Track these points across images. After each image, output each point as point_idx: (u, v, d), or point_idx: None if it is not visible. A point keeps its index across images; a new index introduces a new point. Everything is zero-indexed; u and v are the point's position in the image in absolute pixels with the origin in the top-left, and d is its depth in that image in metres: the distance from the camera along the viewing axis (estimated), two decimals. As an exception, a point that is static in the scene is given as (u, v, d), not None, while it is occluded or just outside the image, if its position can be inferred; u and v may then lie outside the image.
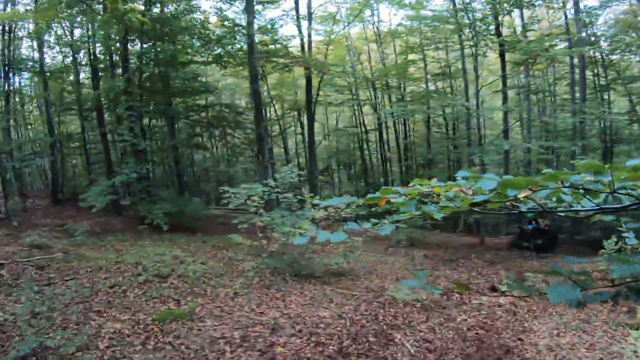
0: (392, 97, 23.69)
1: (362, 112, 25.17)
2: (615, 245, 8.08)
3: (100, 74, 17.27)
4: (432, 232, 16.36)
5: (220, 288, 7.47)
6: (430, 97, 20.75)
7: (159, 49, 15.08)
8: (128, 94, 13.68)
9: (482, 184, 1.34)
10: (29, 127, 26.05)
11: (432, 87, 22.17)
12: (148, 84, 15.86)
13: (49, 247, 9.88)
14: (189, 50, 15.95)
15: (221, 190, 8.57)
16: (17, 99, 21.06)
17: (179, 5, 15.61)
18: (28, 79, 22.79)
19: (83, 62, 19.10)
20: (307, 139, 20.83)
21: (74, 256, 9.13)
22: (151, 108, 15.95)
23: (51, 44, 19.31)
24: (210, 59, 16.73)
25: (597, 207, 1.33)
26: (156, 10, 15.36)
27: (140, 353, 5.08)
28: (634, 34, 15.97)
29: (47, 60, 19.59)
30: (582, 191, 1.25)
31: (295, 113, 26.02)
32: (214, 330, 5.74)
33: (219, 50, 16.43)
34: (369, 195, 1.69)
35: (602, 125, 17.92)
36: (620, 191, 1.21)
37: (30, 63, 18.53)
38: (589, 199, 1.31)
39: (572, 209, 1.42)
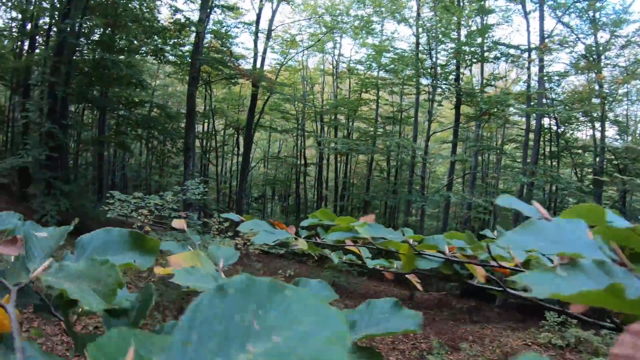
0: (339, 133, 22.88)
1: (304, 144, 24.07)
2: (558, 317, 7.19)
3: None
4: (357, 279, 14.97)
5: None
6: (378, 138, 20.12)
7: (98, 29, 13.30)
8: (55, 70, 11.74)
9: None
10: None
11: (380, 131, 21.52)
12: (82, 66, 13.95)
13: None
14: (129, 38, 14.14)
15: (107, 195, 6.90)
16: None
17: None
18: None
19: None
20: (241, 160, 19.36)
21: None
22: (75, 91, 13.72)
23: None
24: (150, 50, 14.98)
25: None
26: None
27: None
28: (580, 111, 16.19)
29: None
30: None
31: (235, 133, 24.49)
32: None
33: (159, 43, 14.77)
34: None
35: (548, 192, 17.91)
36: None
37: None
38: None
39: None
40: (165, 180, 23.85)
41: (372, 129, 21.07)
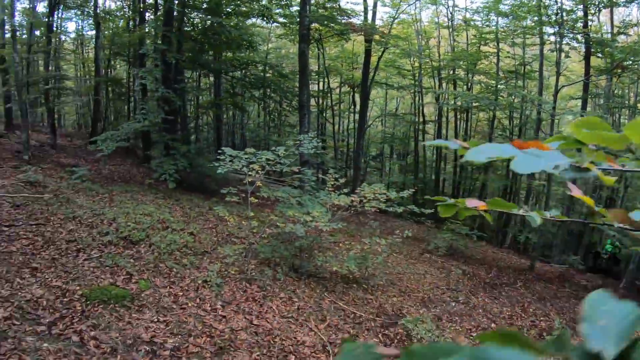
0: (458, 88, 21.33)
1: (422, 101, 22.91)
2: None
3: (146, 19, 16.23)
4: (476, 243, 14.11)
5: (191, 270, 6.01)
6: (499, 92, 18.38)
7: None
8: (165, 39, 12.42)
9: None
10: (82, 67, 25.84)
11: (501, 86, 19.56)
12: (191, 33, 14.58)
13: (44, 186, 8.94)
14: (236, 2, 14.34)
15: (219, 152, 6.88)
16: (64, 38, 20.74)
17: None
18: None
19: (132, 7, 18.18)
20: (358, 118, 19.04)
21: (61, 200, 8.05)
22: (187, 57, 14.43)
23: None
24: (257, 11, 15.08)
25: None
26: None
27: (37, 337, 3.75)
28: None
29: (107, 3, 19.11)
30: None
31: (351, 90, 24.11)
32: (145, 329, 4.27)
33: (266, 2, 14.78)
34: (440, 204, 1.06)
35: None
36: None
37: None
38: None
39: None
40: (284, 139, 24.55)
41: (493, 81, 19.26)
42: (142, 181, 11.97)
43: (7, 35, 15.27)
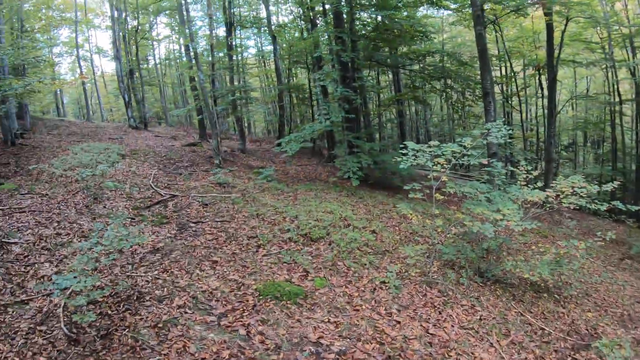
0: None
1: (616, 76, 19.31)
2: None
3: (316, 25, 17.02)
4: None
5: (370, 270, 5.93)
6: None
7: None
8: (337, 40, 12.81)
9: None
10: (265, 78, 28.53)
11: None
12: (363, 31, 14.78)
13: (232, 187, 9.94)
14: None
15: (401, 146, 6.62)
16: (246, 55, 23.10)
17: None
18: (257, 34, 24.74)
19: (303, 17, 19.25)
20: (547, 103, 17.00)
21: (247, 199, 8.84)
22: (361, 55, 14.58)
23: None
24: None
25: None
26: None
27: (205, 327, 4.07)
28: None
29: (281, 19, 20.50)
30: None
31: (536, 73, 21.69)
32: (313, 329, 4.27)
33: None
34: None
35: None
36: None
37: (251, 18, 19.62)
38: None
39: None
40: (469, 132, 23.28)
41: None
42: (326, 179, 12.46)
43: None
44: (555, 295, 6.10)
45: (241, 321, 4.25)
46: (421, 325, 4.61)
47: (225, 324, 4.17)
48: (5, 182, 7.97)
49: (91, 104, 33.79)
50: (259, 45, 27.41)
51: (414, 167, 6.60)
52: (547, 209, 6.26)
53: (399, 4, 13.96)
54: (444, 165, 6.05)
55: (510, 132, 7.38)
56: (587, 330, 5.25)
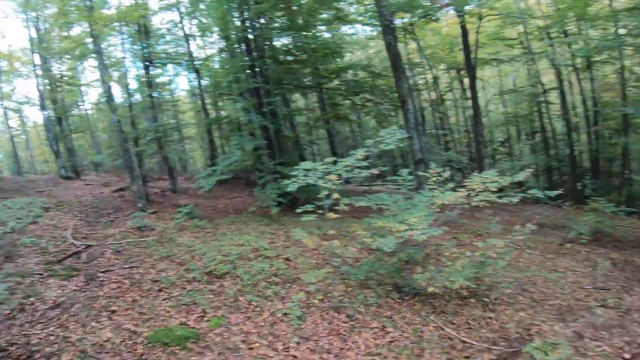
0: (573, 45, 18.06)
1: (537, 67, 19.99)
2: None
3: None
4: (626, 221, 11.20)
5: (274, 302, 5.40)
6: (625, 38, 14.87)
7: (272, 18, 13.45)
8: (249, 67, 12.43)
9: None
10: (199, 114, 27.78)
11: (622, 31, 15.70)
12: (273, 55, 14.47)
13: (151, 229, 9.30)
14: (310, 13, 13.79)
15: (295, 168, 6.19)
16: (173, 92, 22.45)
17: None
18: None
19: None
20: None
21: (163, 241, 8.26)
22: (273, 80, 14.17)
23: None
24: (331, 17, 14.38)
25: None
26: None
27: None
28: None
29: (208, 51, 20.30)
30: None
31: (456, 75, 22.14)
32: None
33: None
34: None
35: None
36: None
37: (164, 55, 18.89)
38: None
39: None
40: (365, 142, 23.37)
41: (611, 23, 15.60)
42: (251, 210, 11.94)
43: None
44: (484, 299, 5.64)
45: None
46: (321, 358, 4.08)
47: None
48: None
49: (26, 156, 32.23)
50: (190, 80, 26.85)
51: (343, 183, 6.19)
52: (460, 209, 5.88)
53: (307, 25, 13.80)
54: (336, 181, 5.71)
55: (404, 135, 7.16)
56: (518, 333, 4.79)
